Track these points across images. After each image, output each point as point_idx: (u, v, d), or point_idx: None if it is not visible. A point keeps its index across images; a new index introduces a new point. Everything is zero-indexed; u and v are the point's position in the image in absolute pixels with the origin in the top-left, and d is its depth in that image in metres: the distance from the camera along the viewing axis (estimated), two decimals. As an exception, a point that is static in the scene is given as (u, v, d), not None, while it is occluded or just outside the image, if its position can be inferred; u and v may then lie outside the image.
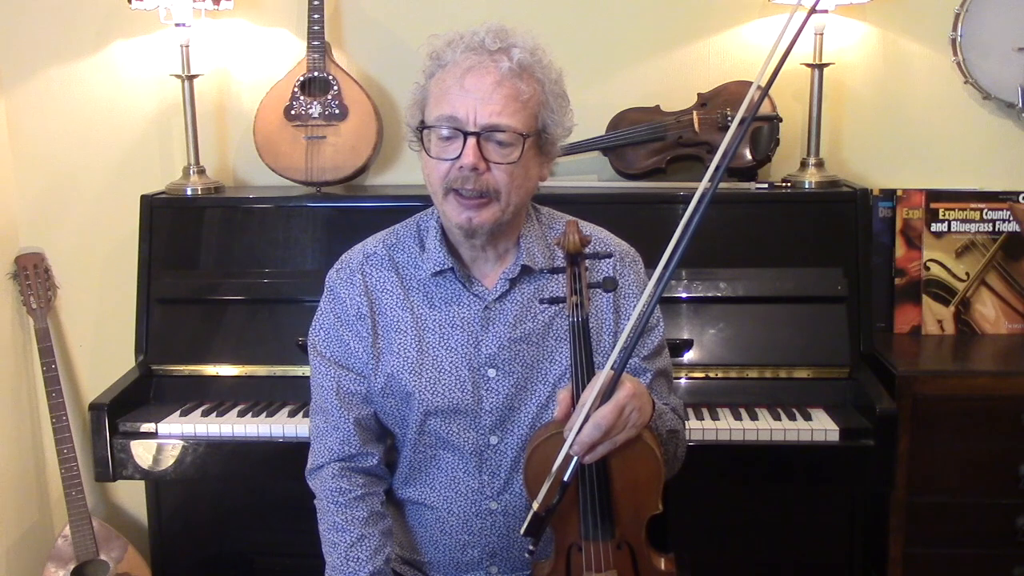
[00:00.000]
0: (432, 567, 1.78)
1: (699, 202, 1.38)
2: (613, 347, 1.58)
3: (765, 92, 1.59)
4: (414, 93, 1.66)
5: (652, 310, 1.47)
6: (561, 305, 1.56)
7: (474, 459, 1.70)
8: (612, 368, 1.47)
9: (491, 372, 1.68)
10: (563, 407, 1.51)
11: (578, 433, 1.45)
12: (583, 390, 1.49)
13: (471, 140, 1.57)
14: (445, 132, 1.59)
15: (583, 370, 1.52)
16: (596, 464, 1.52)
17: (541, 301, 1.66)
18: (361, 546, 1.67)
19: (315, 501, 1.75)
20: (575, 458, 1.48)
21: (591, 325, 1.61)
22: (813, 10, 1.56)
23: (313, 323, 1.78)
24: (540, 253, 1.70)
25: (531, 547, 1.51)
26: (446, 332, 1.69)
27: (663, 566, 1.63)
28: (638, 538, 1.60)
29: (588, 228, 1.75)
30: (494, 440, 1.69)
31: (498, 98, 1.56)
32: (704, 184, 1.39)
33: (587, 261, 1.55)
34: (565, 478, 1.47)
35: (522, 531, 1.49)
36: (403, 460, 1.76)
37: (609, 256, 1.68)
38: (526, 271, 1.69)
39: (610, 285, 1.53)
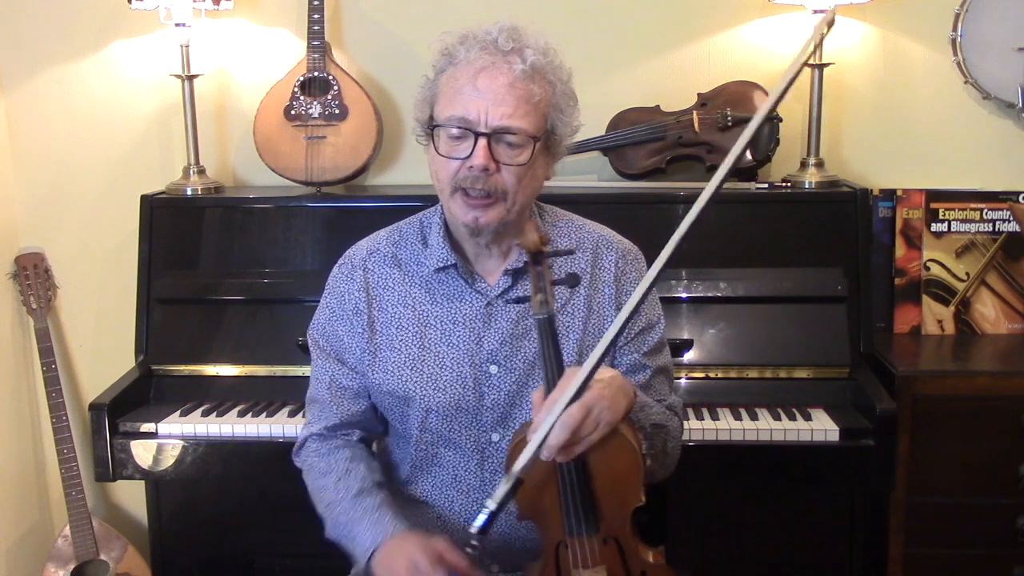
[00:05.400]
0: (432, 565, 1.78)
1: (696, 212, 1.37)
2: (589, 346, 1.59)
3: (775, 103, 1.51)
4: (423, 88, 1.66)
5: (633, 315, 1.43)
6: (527, 304, 1.56)
7: (475, 456, 1.71)
8: (592, 364, 1.43)
9: (492, 368, 1.68)
10: (536, 408, 1.49)
11: (547, 434, 1.42)
12: (553, 389, 1.47)
13: (482, 141, 1.57)
14: (455, 131, 1.59)
15: (553, 369, 1.50)
16: (574, 460, 1.50)
17: (507, 301, 1.67)
18: (349, 477, 1.68)
19: (303, 474, 1.76)
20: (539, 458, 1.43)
21: (561, 324, 1.61)
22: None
23: (314, 316, 1.80)
24: (542, 252, 1.70)
25: (474, 543, 1.44)
26: (448, 328, 1.70)
27: (652, 558, 1.62)
28: (624, 531, 1.59)
29: (592, 226, 1.77)
30: (496, 437, 1.70)
31: (511, 100, 1.56)
32: (700, 202, 1.36)
33: (553, 259, 1.54)
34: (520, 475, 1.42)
35: (474, 529, 1.42)
36: (405, 459, 1.76)
37: (570, 253, 1.66)
38: (529, 269, 1.69)
39: (572, 281, 1.53)
